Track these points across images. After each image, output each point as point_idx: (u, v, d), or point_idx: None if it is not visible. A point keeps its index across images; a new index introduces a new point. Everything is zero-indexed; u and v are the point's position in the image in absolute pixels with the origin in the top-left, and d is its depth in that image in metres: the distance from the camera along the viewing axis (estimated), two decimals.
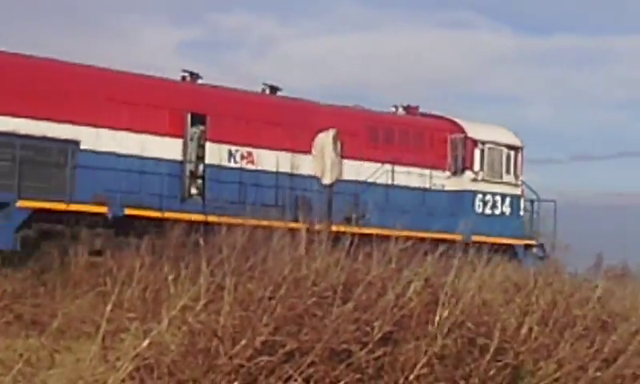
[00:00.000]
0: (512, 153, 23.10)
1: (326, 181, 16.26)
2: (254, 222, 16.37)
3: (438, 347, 6.59)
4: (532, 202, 23.61)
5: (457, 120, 22.67)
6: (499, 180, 22.74)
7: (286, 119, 19.75)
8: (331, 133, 16.20)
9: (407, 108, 22.80)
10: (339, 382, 6.25)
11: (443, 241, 19.02)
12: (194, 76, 19.24)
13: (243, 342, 6.24)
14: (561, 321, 7.53)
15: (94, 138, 17.14)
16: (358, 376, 6.33)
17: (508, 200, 22.88)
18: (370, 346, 6.41)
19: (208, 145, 18.53)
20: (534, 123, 75.31)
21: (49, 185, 16.45)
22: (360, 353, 6.34)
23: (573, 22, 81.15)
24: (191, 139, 18.50)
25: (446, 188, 22.17)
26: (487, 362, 6.77)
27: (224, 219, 16.78)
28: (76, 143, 16.91)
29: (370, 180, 20.68)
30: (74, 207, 16.39)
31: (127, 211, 16.89)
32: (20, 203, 15.78)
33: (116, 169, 17.14)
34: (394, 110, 22.80)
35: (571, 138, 76.08)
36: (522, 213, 23.37)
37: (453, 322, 6.82)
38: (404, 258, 8.33)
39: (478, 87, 75.71)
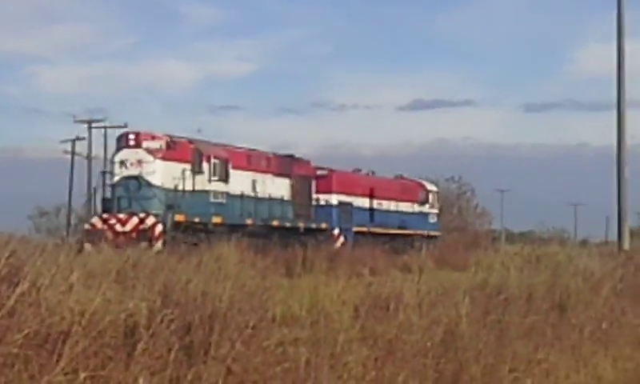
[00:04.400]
0: (437, 194, 53.69)
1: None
2: (394, 231, 46.20)
3: None
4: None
5: (423, 182, 52.76)
6: (432, 206, 53.12)
7: (393, 188, 48.70)
8: None
9: (400, 176, 52.29)
10: None
11: (417, 235, 50.39)
12: (359, 170, 47.36)
13: None
14: None
15: (355, 201, 44.81)
16: None
17: (435, 215, 53.34)
18: None
19: (375, 201, 46.86)
20: None
21: (346, 221, 43.93)
22: None
23: None
24: (368, 197, 46.69)
25: (417, 210, 51.95)
26: None
27: (384, 230, 45.95)
28: (351, 204, 44.50)
29: (402, 209, 49.99)
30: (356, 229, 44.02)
31: (372, 229, 44.78)
32: (354, 229, 43.25)
33: (359, 214, 44.93)
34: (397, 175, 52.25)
35: None
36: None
37: None
38: None
39: None
